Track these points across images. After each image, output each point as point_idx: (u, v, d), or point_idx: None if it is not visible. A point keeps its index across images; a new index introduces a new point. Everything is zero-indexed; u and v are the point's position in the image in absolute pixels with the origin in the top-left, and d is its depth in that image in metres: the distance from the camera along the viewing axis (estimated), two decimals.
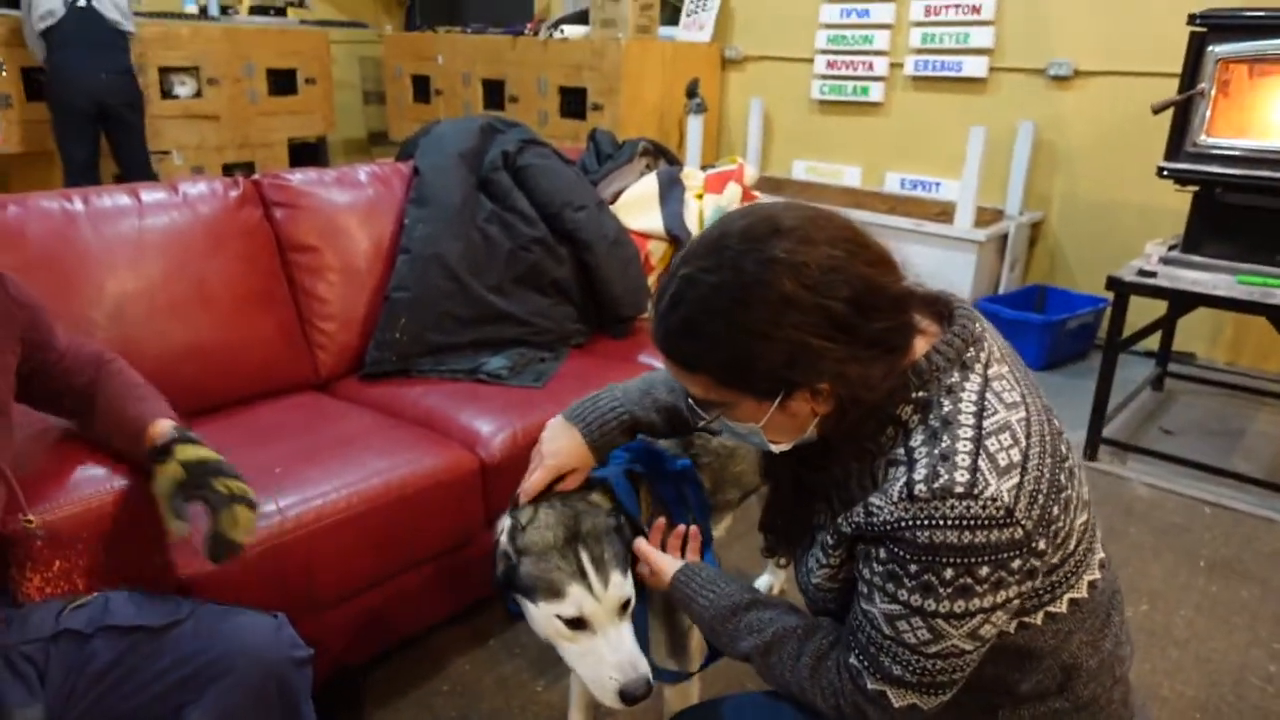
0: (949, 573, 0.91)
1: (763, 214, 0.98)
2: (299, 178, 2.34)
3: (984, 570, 0.90)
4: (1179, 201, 3.05)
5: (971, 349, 1.00)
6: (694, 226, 2.82)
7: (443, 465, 1.87)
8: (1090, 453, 3.01)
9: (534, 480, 1.31)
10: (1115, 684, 1.10)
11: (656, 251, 2.80)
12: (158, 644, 1.17)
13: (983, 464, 0.91)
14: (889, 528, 0.93)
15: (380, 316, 2.30)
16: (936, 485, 0.90)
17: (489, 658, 2.05)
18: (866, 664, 0.98)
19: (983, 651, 0.97)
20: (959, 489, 0.90)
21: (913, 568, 0.92)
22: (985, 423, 0.94)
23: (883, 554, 0.95)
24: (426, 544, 1.87)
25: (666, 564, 1.25)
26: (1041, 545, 0.92)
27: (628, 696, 1.17)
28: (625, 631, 1.21)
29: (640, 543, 1.28)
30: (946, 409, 0.95)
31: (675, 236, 2.77)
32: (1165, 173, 2.90)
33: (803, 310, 0.92)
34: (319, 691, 1.80)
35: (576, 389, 1.58)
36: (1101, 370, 2.97)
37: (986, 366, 1.00)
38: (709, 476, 1.49)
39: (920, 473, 0.92)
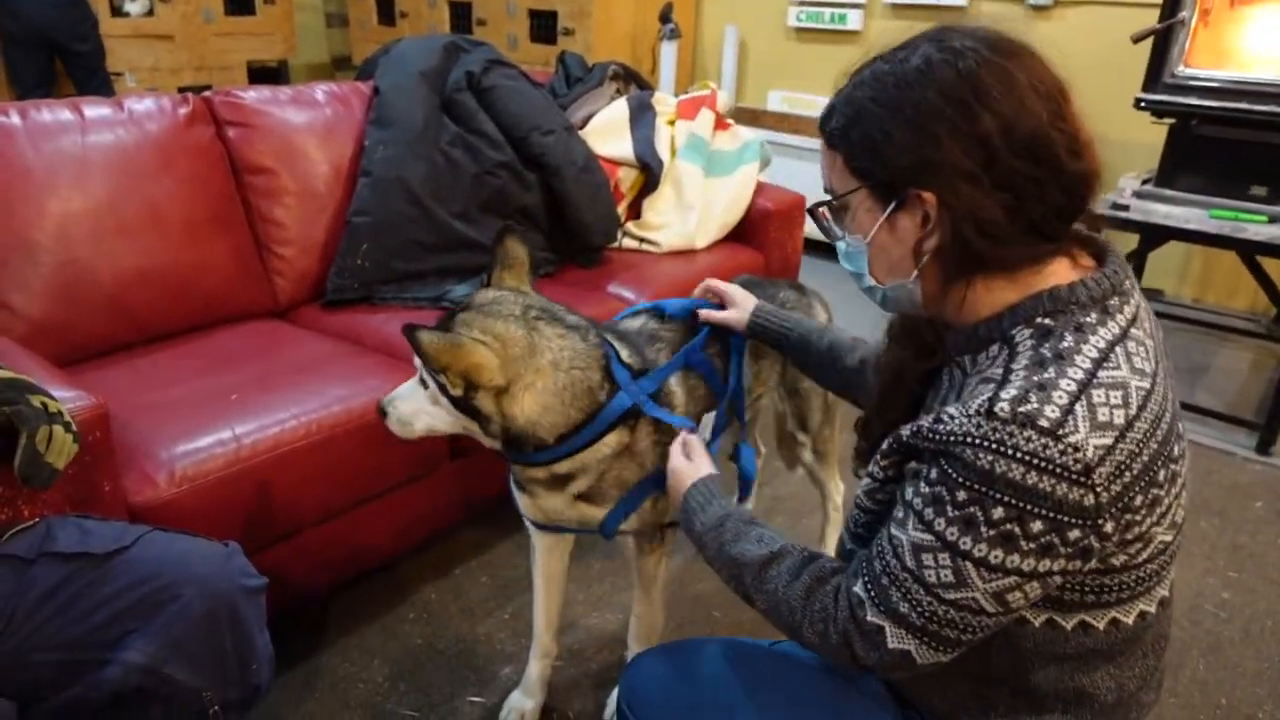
0: (999, 512, 0.80)
1: (992, 29, 0.91)
2: (252, 95, 2.24)
3: (1036, 525, 0.80)
4: (1154, 136, 3.02)
5: (1117, 298, 0.89)
6: (665, 153, 2.75)
7: None
8: None
9: (696, 290, 1.51)
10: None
11: (627, 179, 2.73)
12: (101, 571, 1.13)
13: (1080, 409, 0.79)
14: (953, 439, 0.82)
15: (341, 242, 2.23)
16: (1021, 410, 0.79)
17: (454, 586, 2.04)
18: (873, 594, 0.90)
19: (1000, 622, 0.86)
20: (1043, 422, 0.79)
21: (961, 495, 0.82)
22: (1101, 373, 0.82)
23: (934, 474, 0.85)
24: (389, 473, 1.84)
25: (704, 463, 1.23)
26: (1109, 528, 0.81)
27: (379, 402, 1.38)
28: (414, 383, 1.34)
29: (692, 437, 1.29)
30: (1066, 344, 0.84)
31: (646, 163, 2.70)
32: (1143, 104, 2.86)
33: (947, 99, 0.85)
34: (282, 619, 1.80)
35: None
36: None
37: (1131, 323, 0.88)
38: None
39: (1010, 392, 0.81)
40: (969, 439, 0.81)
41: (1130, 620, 0.92)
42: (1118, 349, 0.85)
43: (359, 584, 2.01)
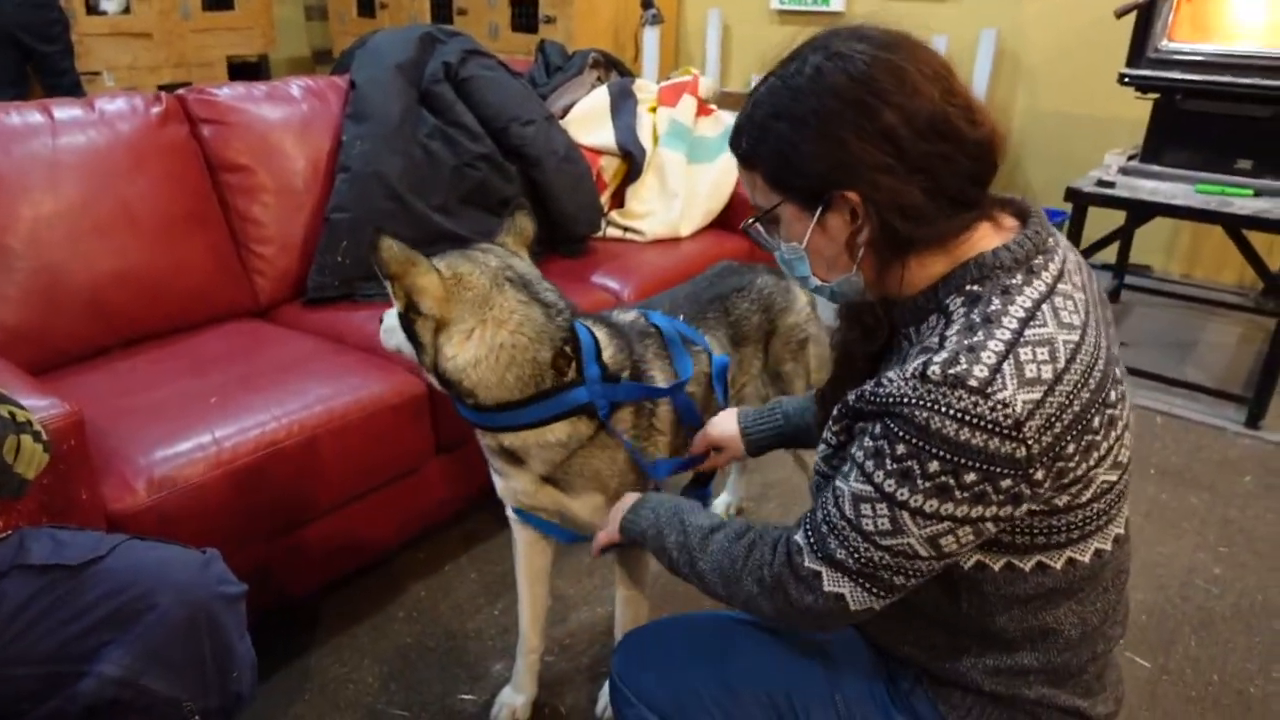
0: (934, 465, 0.85)
1: (858, 24, 0.95)
2: (226, 92, 2.21)
3: (970, 477, 0.84)
4: (1140, 112, 3.00)
5: (1040, 256, 0.93)
6: (647, 141, 2.73)
7: (389, 391, 1.81)
8: None
9: (690, 450, 1.45)
10: (1093, 659, 1.04)
11: (609, 168, 2.71)
12: (76, 582, 1.11)
13: (1008, 367, 0.84)
14: (891, 400, 0.87)
15: (320, 239, 2.21)
16: (951, 371, 0.84)
17: (444, 583, 2.03)
18: (811, 541, 0.95)
19: (934, 566, 0.91)
20: (972, 382, 0.83)
21: (900, 449, 0.86)
22: (1028, 332, 0.87)
23: (877, 429, 0.89)
24: (375, 472, 1.83)
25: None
26: (1039, 475, 0.85)
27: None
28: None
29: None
30: (994, 307, 0.89)
31: (628, 151, 2.68)
32: (1127, 79, 2.84)
33: (847, 104, 0.88)
34: (271, 621, 1.79)
35: None
36: None
37: (1057, 279, 0.92)
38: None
39: (941, 356, 0.86)
40: (906, 399, 0.86)
41: (1086, 559, 0.96)
42: (1044, 306, 0.89)
43: (348, 583, 1.99)
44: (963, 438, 0.83)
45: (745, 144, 0.98)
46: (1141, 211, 2.84)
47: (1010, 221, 0.98)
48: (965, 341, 0.87)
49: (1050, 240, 0.95)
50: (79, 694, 1.07)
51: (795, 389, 1.77)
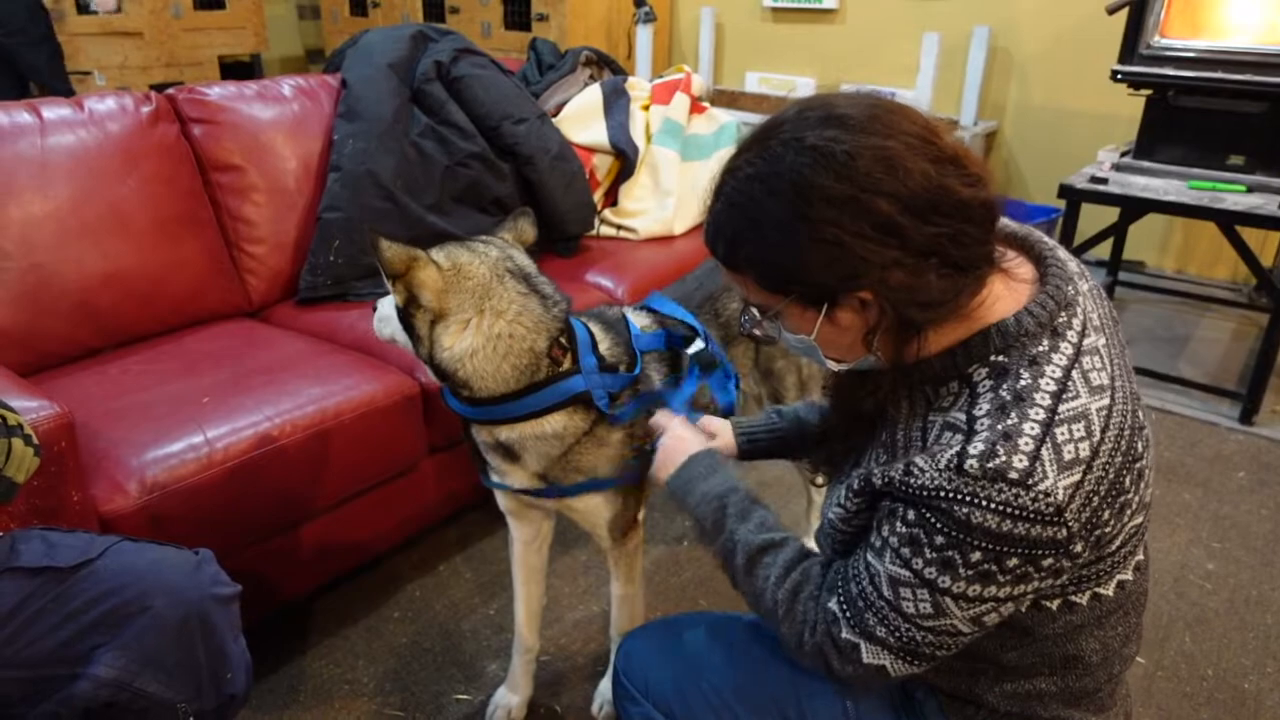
0: (976, 555, 0.83)
1: (821, 100, 0.88)
2: (217, 91, 2.20)
3: (1013, 562, 0.83)
4: (1133, 108, 3.01)
5: (1064, 313, 0.89)
6: (640, 139, 2.72)
7: (381, 391, 1.80)
8: None
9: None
10: (1110, 679, 1.03)
11: (602, 166, 2.70)
12: (68, 585, 1.10)
13: (1046, 453, 0.81)
14: (926, 494, 0.84)
15: (313, 239, 2.20)
16: (991, 465, 0.81)
17: (438, 583, 2.03)
18: (849, 615, 0.92)
19: (976, 637, 0.90)
20: (1013, 474, 0.80)
21: (939, 539, 0.84)
22: (1061, 408, 0.83)
23: (911, 516, 0.86)
24: (368, 472, 1.82)
25: (705, 440, 1.21)
26: (1079, 548, 0.84)
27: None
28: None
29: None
30: (1024, 382, 0.84)
31: (621, 150, 2.67)
32: (1119, 76, 2.84)
33: (837, 205, 0.82)
34: (265, 622, 1.78)
35: None
36: None
37: (1082, 335, 0.88)
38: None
39: (977, 447, 0.82)
40: (943, 493, 0.82)
41: (1111, 592, 0.94)
42: (1074, 374, 0.85)
43: (343, 584, 1.99)
44: (1005, 529, 0.81)
45: (725, 251, 0.91)
46: (1134, 208, 2.84)
47: (1023, 269, 0.93)
48: (999, 427, 0.82)
49: (1070, 290, 0.90)
50: (73, 697, 1.06)
51: (787, 385, 1.77)
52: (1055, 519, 0.81)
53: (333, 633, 1.88)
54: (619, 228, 2.70)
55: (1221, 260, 3.86)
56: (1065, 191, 2.84)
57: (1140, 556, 0.97)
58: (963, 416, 0.86)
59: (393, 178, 2.23)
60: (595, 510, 1.42)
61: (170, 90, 2.18)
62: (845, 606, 0.92)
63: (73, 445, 1.34)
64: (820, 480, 1.23)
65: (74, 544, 1.16)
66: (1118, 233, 3.23)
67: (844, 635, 0.92)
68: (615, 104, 2.73)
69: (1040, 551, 0.83)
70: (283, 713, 1.68)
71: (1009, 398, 0.84)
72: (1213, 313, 3.60)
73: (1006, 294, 0.90)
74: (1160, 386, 2.95)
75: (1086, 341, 0.88)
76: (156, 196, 2.02)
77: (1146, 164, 2.89)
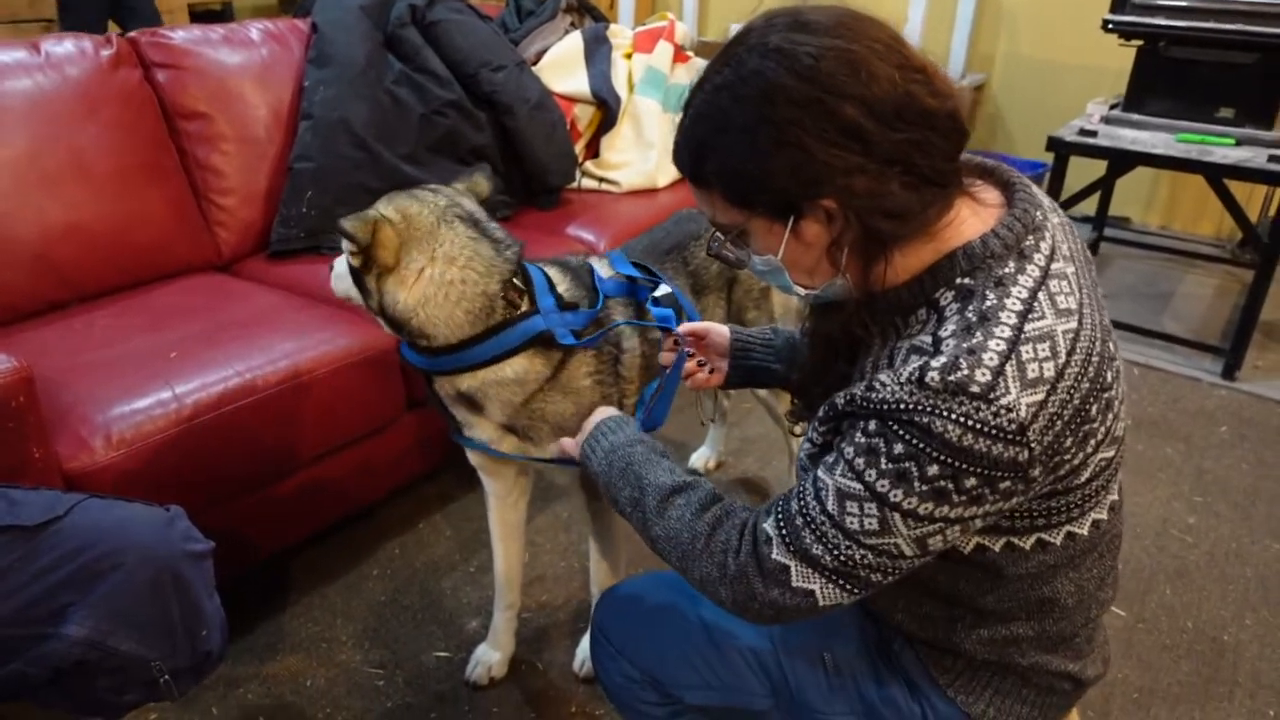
0: (933, 469, 0.80)
1: (789, 7, 0.85)
2: (181, 35, 2.11)
3: (969, 481, 0.80)
4: (1122, 61, 2.96)
5: (1031, 237, 0.87)
6: (622, 89, 2.66)
7: (357, 345, 1.76)
8: None
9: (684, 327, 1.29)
10: (1086, 624, 1.02)
11: (583, 116, 2.63)
12: (34, 543, 1.07)
13: (1010, 369, 0.79)
14: (888, 407, 0.81)
15: (284, 190, 2.14)
16: (953, 378, 0.79)
17: (418, 540, 2.00)
18: (784, 532, 0.88)
19: (915, 565, 0.87)
20: (975, 388, 0.78)
21: (898, 448, 0.81)
22: (1027, 327, 0.81)
23: (872, 426, 0.83)
24: (344, 428, 1.78)
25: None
26: (1036, 473, 0.82)
27: None
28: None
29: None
30: (989, 303, 0.83)
31: (603, 99, 2.61)
32: (1110, 26, 2.80)
33: (801, 106, 0.80)
34: (242, 580, 1.76)
35: None
36: None
37: (1050, 260, 0.87)
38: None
39: (940, 361, 0.80)
40: (903, 405, 0.81)
41: (1085, 531, 0.93)
42: (1040, 295, 0.84)
43: (321, 541, 1.96)
44: (966, 443, 0.79)
45: (691, 163, 0.90)
46: (1123, 161, 2.81)
47: (991, 195, 0.92)
48: (964, 344, 0.81)
49: (1038, 215, 0.89)
50: (43, 656, 1.04)
51: None
52: (1017, 438, 0.79)
53: (311, 590, 1.85)
54: (601, 180, 2.64)
55: (1206, 216, 3.85)
56: (1053, 144, 2.80)
57: (1115, 497, 0.95)
58: (928, 338, 0.84)
59: (366, 126, 2.16)
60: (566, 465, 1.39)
61: (132, 34, 2.09)
62: (781, 525, 0.89)
63: (32, 400, 1.29)
64: (799, 430, 1.19)
65: (38, 502, 1.13)
66: (1105, 187, 3.20)
67: (774, 556, 0.88)
68: (597, 52, 2.66)
69: (999, 473, 0.80)
70: (260, 670, 1.65)
71: (974, 318, 0.83)
72: (1197, 268, 3.60)
73: (973, 218, 0.89)
74: (1144, 342, 2.95)
75: (1054, 266, 0.87)
76: (118, 145, 1.94)
77: (1135, 116, 2.86)
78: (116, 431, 1.43)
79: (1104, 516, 0.94)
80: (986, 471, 0.80)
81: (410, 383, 1.86)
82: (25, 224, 1.79)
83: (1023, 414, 0.79)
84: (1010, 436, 0.79)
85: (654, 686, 1.11)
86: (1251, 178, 2.60)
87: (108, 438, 1.42)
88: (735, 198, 0.88)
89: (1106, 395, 0.86)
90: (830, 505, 0.85)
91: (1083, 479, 0.88)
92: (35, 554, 1.07)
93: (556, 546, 1.99)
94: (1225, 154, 2.61)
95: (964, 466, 0.80)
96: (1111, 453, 0.90)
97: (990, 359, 0.79)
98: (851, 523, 0.84)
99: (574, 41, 2.67)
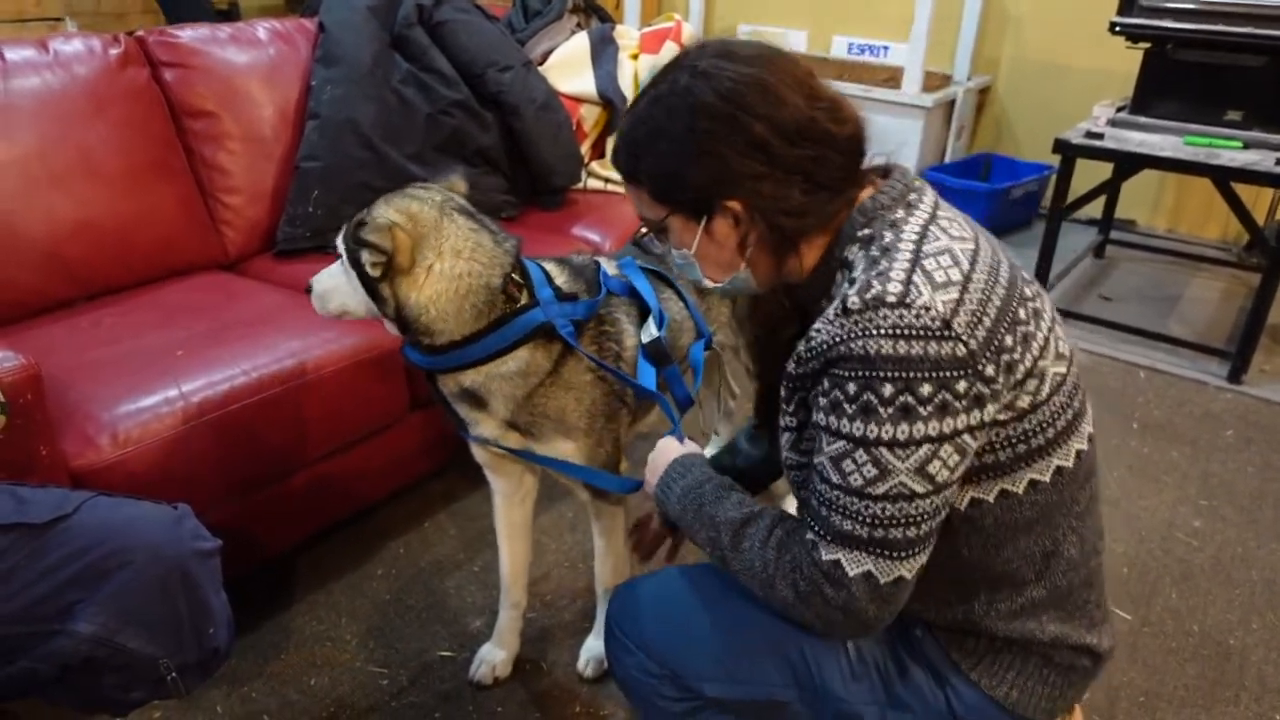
0: (888, 389, 0.86)
1: (720, 39, 1.02)
2: (189, 34, 2.12)
3: (925, 389, 0.86)
4: (1128, 65, 2.96)
5: (914, 193, 1.00)
6: (629, 88, 2.65)
7: (363, 344, 1.76)
8: None
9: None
10: (1090, 580, 1.06)
11: (589, 116, 2.63)
12: (42, 541, 1.07)
13: (918, 278, 0.89)
14: (825, 346, 0.90)
15: (291, 189, 2.14)
16: (869, 296, 0.88)
17: (422, 539, 2.01)
18: (820, 529, 0.93)
19: (934, 503, 0.90)
20: (890, 298, 0.88)
21: (851, 387, 0.88)
22: (925, 247, 0.93)
23: (826, 384, 0.91)
24: (349, 427, 1.78)
25: (693, 446, 1.21)
26: (990, 371, 0.88)
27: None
28: (338, 263, 1.35)
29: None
30: (887, 239, 0.95)
31: (609, 100, 2.61)
32: (1118, 28, 2.79)
33: (719, 120, 0.94)
34: (247, 579, 1.76)
35: None
36: (1044, 237, 2.94)
37: (935, 207, 0.99)
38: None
39: (854, 289, 0.91)
40: (838, 339, 0.89)
41: (1070, 463, 0.99)
42: (932, 227, 0.96)
43: (326, 540, 1.96)
44: (901, 351, 0.86)
45: (627, 162, 1.03)
46: (1129, 163, 2.81)
47: (875, 180, 1.04)
48: (872, 272, 0.91)
49: (916, 182, 1.02)
50: (52, 653, 1.05)
51: None
52: (945, 332, 0.86)
53: (316, 588, 1.85)
54: (606, 180, 2.64)
55: (1212, 219, 3.84)
56: (1060, 146, 2.80)
57: (1090, 428, 1.03)
58: (845, 286, 0.95)
59: (373, 125, 2.17)
60: (569, 460, 1.40)
61: (140, 32, 2.09)
62: (815, 524, 0.95)
63: (40, 398, 1.29)
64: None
65: (46, 500, 1.13)
66: (1111, 189, 3.20)
67: (825, 556, 0.93)
68: (603, 52, 2.66)
69: (948, 373, 0.86)
70: (265, 668, 1.66)
71: (877, 253, 0.94)
72: (1203, 272, 3.59)
73: (864, 193, 1.01)
74: (1150, 345, 2.94)
75: (940, 211, 0.99)
76: (127, 143, 1.95)
77: (1143, 119, 2.85)
78: (123, 429, 1.44)
79: (1085, 446, 1.01)
80: (935, 374, 0.86)
81: (415, 382, 1.86)
82: (34, 222, 1.79)
83: (941, 309, 0.87)
84: (938, 332, 0.86)
85: (673, 681, 1.12)
86: (1259, 181, 2.59)
87: (114, 436, 1.43)
88: (660, 195, 1.01)
89: (1031, 304, 0.95)
90: (833, 476, 0.92)
91: (1045, 393, 0.94)
92: (43, 552, 1.08)
93: (561, 546, 1.99)
94: (1233, 157, 2.60)
95: (913, 375, 0.86)
96: (1063, 368, 0.97)
97: (898, 273, 0.90)
98: (855, 480, 0.90)
99: (580, 42, 2.67)
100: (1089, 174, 2.94)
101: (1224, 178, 2.66)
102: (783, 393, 1.01)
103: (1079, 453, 0.99)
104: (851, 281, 0.93)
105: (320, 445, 1.73)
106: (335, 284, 1.35)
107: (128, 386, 1.51)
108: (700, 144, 0.95)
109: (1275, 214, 3.47)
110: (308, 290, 1.41)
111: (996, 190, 3.76)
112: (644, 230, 1.08)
